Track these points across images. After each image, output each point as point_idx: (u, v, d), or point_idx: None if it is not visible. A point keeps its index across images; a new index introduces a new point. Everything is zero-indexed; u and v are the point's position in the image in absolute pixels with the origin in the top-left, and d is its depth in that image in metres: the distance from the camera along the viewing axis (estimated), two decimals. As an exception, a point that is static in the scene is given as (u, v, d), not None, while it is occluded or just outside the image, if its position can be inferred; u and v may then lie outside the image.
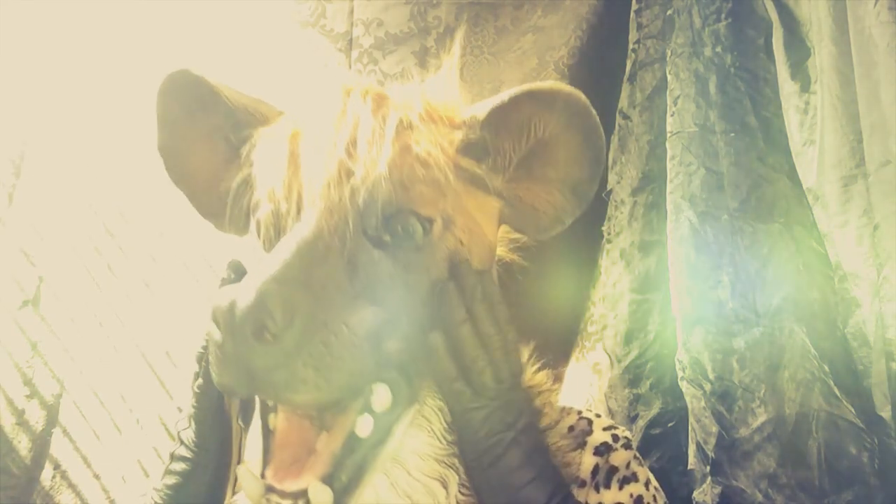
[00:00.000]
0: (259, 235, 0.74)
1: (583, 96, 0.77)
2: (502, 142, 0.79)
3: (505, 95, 0.77)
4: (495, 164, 0.80)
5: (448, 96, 0.80)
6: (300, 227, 0.67)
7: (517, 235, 0.88)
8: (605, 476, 0.82)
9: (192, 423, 0.81)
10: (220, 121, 0.83)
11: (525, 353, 0.85)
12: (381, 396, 0.68)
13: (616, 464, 0.83)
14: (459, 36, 0.84)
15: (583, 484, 0.81)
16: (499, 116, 0.77)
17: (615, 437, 0.85)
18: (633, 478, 0.83)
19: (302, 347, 0.60)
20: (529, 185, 0.82)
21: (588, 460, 0.83)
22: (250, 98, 0.83)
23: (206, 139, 0.84)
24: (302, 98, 0.79)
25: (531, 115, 0.77)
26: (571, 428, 0.86)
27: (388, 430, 0.70)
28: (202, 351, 0.80)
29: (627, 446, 0.85)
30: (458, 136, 0.77)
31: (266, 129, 0.77)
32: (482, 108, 0.78)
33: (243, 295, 0.58)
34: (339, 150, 0.70)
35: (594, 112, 0.77)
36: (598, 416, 0.90)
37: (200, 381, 0.80)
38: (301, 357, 0.60)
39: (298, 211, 0.70)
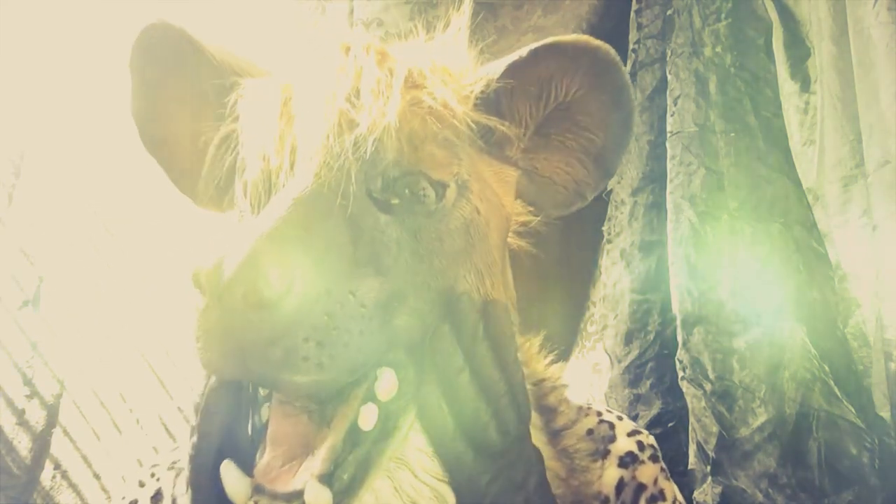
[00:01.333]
0: (246, 197, 0.66)
1: (612, 51, 0.67)
2: (519, 105, 0.70)
3: (524, 50, 0.67)
4: (511, 130, 0.71)
5: (457, 57, 0.71)
6: (295, 182, 0.59)
7: (526, 218, 0.79)
8: (632, 495, 0.76)
9: (189, 490, 0.63)
10: (204, 81, 0.72)
11: (535, 343, 0.80)
12: (386, 382, 0.59)
13: (644, 480, 0.77)
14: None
15: (605, 500, 0.75)
16: (516, 74, 0.68)
17: (641, 446, 0.79)
18: (661, 496, 0.77)
19: (303, 318, 0.52)
20: (548, 154, 0.73)
21: (612, 473, 0.76)
22: (238, 56, 0.74)
23: (187, 102, 0.74)
24: (295, 55, 0.70)
25: (553, 72, 0.68)
26: (590, 431, 0.80)
27: (394, 423, 0.61)
28: (200, 400, 0.64)
29: (655, 458, 0.79)
30: (475, 89, 0.67)
31: (256, 81, 0.68)
32: (497, 67, 0.69)
33: (232, 254, 0.49)
34: (339, 99, 0.62)
35: (624, 69, 0.69)
36: (619, 418, 0.83)
37: (196, 438, 0.62)
38: (302, 329, 0.52)
39: (292, 166, 0.61)
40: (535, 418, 0.70)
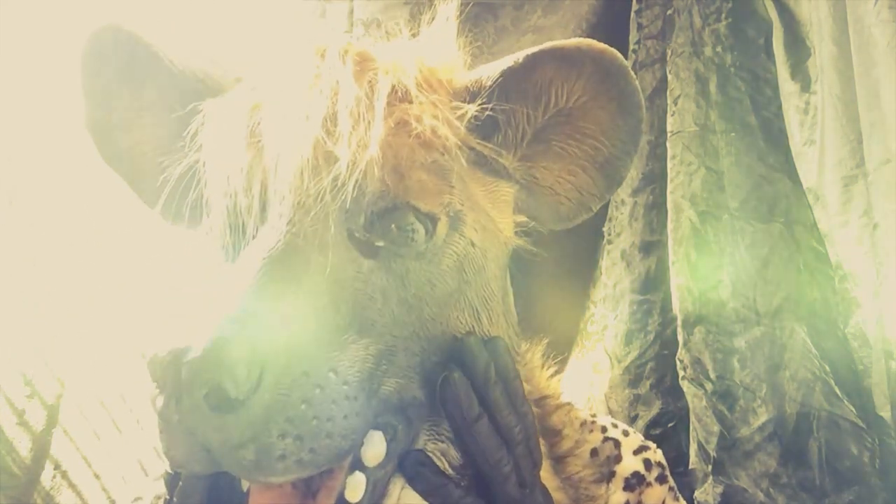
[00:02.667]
0: (215, 240, 0.60)
1: (618, 56, 0.62)
2: (515, 112, 0.64)
3: (520, 55, 0.62)
4: (506, 138, 0.65)
5: (445, 54, 0.66)
6: (266, 233, 0.53)
7: (523, 219, 0.73)
8: None
9: None
10: (162, 89, 0.66)
11: (537, 353, 0.75)
12: (374, 447, 0.53)
13: None
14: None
15: None
16: (511, 81, 0.62)
17: (648, 465, 0.75)
18: None
19: (276, 412, 0.45)
20: (548, 163, 0.67)
21: (618, 499, 0.72)
22: (201, 60, 0.68)
23: (146, 111, 0.67)
24: (264, 62, 0.64)
25: (552, 78, 0.63)
26: (595, 452, 0.76)
27: (384, 489, 0.55)
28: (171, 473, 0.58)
29: (662, 478, 0.75)
30: (467, 108, 0.61)
31: (216, 102, 0.61)
32: (489, 72, 0.63)
33: (191, 344, 0.43)
34: (313, 125, 0.55)
35: (632, 74, 0.63)
36: (625, 433, 0.79)
37: None
38: (276, 425, 0.45)
39: (263, 208, 0.55)
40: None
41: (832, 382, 1.04)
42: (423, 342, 0.56)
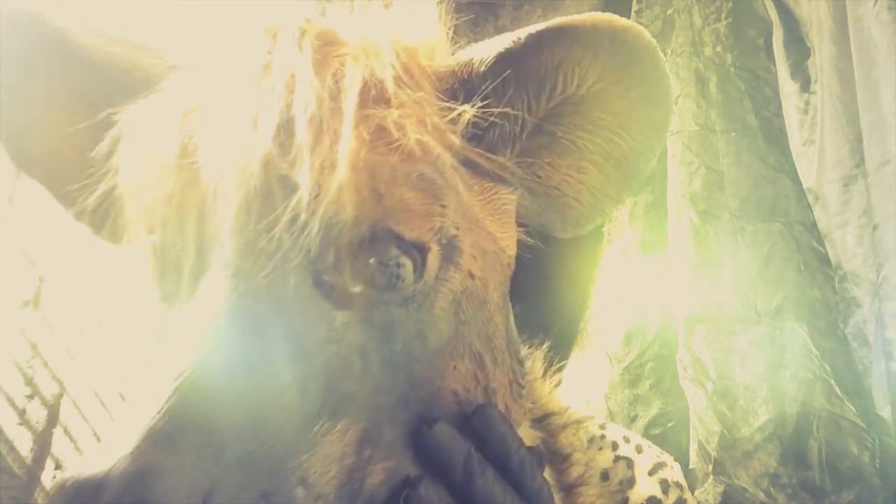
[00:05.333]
0: (147, 287, 0.49)
1: (645, 34, 0.51)
2: (513, 100, 0.53)
3: (521, 34, 0.51)
4: (501, 131, 0.53)
5: (425, 28, 0.54)
6: (205, 290, 0.41)
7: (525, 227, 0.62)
8: None
9: None
10: (78, 83, 0.55)
11: (538, 361, 0.66)
12: None
13: None
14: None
15: None
16: (510, 65, 0.51)
17: (664, 487, 0.67)
18: None
19: None
20: (553, 158, 0.56)
21: None
22: (126, 47, 0.56)
23: (60, 110, 0.56)
24: (202, 47, 0.53)
25: (560, 61, 0.52)
26: (606, 475, 0.67)
27: None
28: None
29: (681, 503, 0.68)
30: (461, 110, 0.49)
31: (141, 105, 0.48)
32: (483, 53, 0.51)
33: (105, 469, 0.32)
34: (263, 139, 0.42)
35: (661, 56, 0.53)
36: (638, 449, 0.70)
37: None
38: None
39: (201, 252, 0.43)
40: (546, 472, 0.56)
41: (832, 382, 1.04)
42: (413, 407, 0.44)
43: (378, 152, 0.44)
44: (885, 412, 1.00)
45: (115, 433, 0.35)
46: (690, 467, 1.12)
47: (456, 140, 0.48)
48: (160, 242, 0.46)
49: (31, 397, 1.38)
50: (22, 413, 1.37)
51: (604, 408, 1.30)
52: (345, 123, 0.43)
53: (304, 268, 0.42)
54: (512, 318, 0.58)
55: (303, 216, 0.41)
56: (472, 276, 0.49)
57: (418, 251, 0.45)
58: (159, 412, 0.34)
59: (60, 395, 1.41)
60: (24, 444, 1.36)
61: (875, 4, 1.03)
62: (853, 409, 1.02)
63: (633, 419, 1.24)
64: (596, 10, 1.57)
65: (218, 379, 0.37)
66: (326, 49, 0.47)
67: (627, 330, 1.30)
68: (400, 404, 0.44)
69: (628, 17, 1.43)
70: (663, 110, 0.54)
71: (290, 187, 0.42)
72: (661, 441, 1.21)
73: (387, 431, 0.43)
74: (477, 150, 0.51)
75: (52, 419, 1.39)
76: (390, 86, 0.46)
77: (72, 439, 1.40)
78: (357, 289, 0.44)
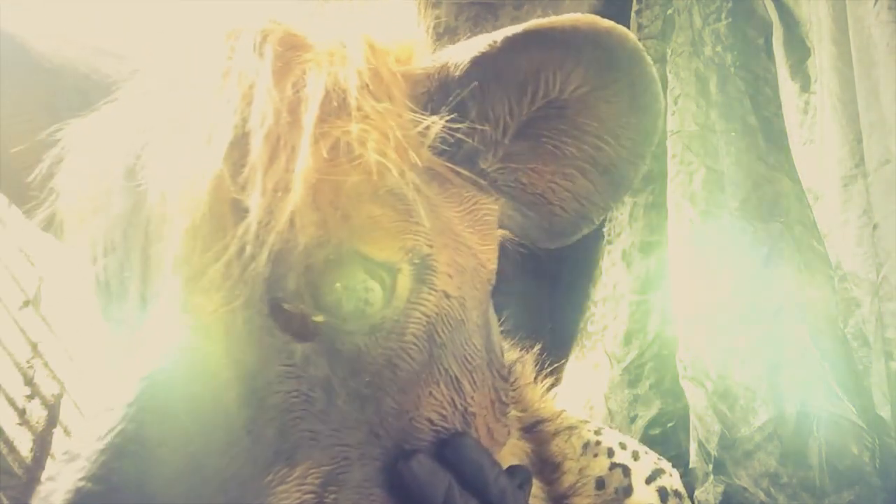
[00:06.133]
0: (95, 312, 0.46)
1: (630, 37, 0.49)
2: (492, 104, 0.50)
3: (497, 37, 0.48)
4: (482, 136, 0.50)
5: (404, 25, 0.52)
6: (150, 326, 0.38)
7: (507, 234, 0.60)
8: None
9: None
10: (36, 88, 0.52)
11: (529, 365, 0.64)
12: None
13: None
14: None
15: None
16: (486, 69, 0.48)
17: (663, 496, 0.66)
18: None
19: None
20: (537, 164, 0.53)
21: None
22: (84, 50, 0.53)
23: (21, 117, 0.52)
24: (167, 50, 0.49)
25: (539, 65, 0.49)
26: (601, 483, 0.65)
27: None
28: None
29: None
30: (430, 122, 0.46)
31: (85, 121, 0.45)
32: (458, 57, 0.49)
33: None
34: (214, 158, 0.39)
35: (648, 60, 0.50)
36: (635, 455, 0.68)
37: None
38: None
39: (146, 282, 0.40)
40: (535, 486, 0.54)
41: (833, 382, 1.04)
42: (385, 441, 0.41)
43: (340, 169, 0.41)
44: (885, 412, 1.00)
45: (39, 495, 0.32)
46: (690, 467, 1.12)
47: (424, 153, 0.45)
48: (104, 271, 0.43)
49: (31, 397, 1.38)
50: (22, 413, 1.37)
51: (603, 408, 1.30)
52: (303, 139, 0.40)
53: (260, 298, 0.39)
54: (495, 332, 0.55)
55: (254, 243, 0.38)
56: (447, 296, 0.46)
57: (388, 273, 0.42)
58: (84, 476, 0.31)
59: (60, 395, 1.41)
60: (24, 444, 1.36)
61: (875, 4, 1.03)
62: (853, 409, 1.02)
63: (633, 419, 1.24)
64: (595, 10, 1.57)
65: (154, 432, 0.34)
66: (289, 55, 0.44)
67: (627, 330, 1.29)
68: (369, 439, 0.41)
69: (628, 17, 1.44)
70: (652, 116, 0.52)
71: (241, 212, 0.39)
72: (660, 441, 1.21)
73: (355, 470, 0.40)
74: (449, 163, 0.48)
75: (52, 419, 1.39)
76: (354, 96, 0.43)
77: (72, 440, 1.40)
78: (320, 318, 0.40)
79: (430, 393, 0.44)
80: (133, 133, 0.43)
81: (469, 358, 0.48)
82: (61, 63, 0.52)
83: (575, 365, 1.44)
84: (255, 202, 0.38)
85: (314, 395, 0.40)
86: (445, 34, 1.69)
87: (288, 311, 0.40)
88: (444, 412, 0.45)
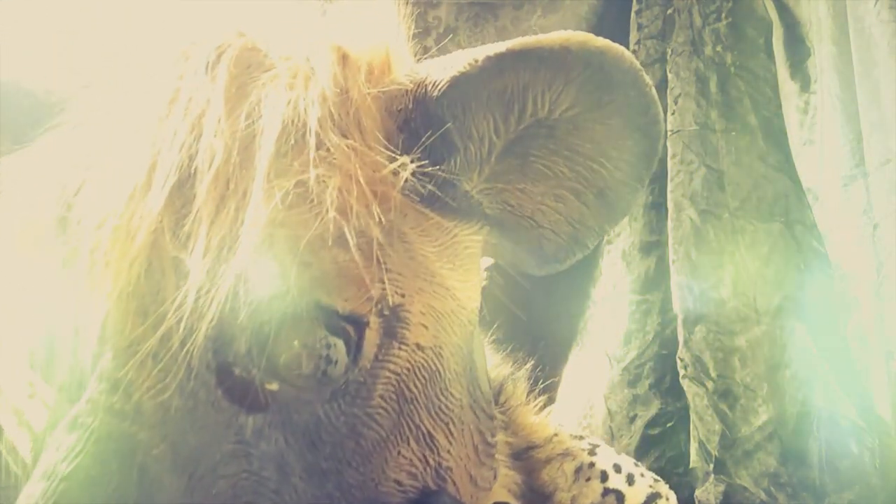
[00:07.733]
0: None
1: (625, 55, 0.45)
2: (476, 123, 0.46)
3: (479, 55, 0.44)
4: (466, 155, 0.46)
5: (376, 30, 0.47)
6: (74, 415, 0.33)
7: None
8: None
9: None
10: None
11: (521, 384, 0.61)
12: None
13: None
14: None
15: None
16: (466, 89, 0.44)
17: None
18: None
19: None
20: (526, 184, 0.49)
21: None
22: (33, 65, 0.49)
23: None
24: (119, 66, 0.43)
25: (526, 84, 0.45)
26: None
27: None
28: None
29: None
30: (402, 162, 0.41)
31: (15, 157, 0.39)
32: (437, 74, 0.44)
33: None
34: (153, 205, 0.34)
35: (646, 80, 0.48)
36: (629, 479, 0.62)
37: None
38: None
39: (76, 354, 0.36)
40: None
41: (833, 382, 1.05)
42: None
43: (298, 214, 0.36)
44: (885, 412, 1.00)
45: None
46: (690, 467, 1.12)
47: (395, 195, 0.40)
48: (32, 339, 0.36)
49: (31, 397, 1.38)
50: (21, 413, 1.37)
51: (603, 408, 1.30)
52: (255, 183, 0.34)
53: (206, 366, 0.34)
54: (481, 369, 0.50)
55: (191, 315, 0.33)
56: (420, 348, 0.41)
57: (354, 326, 0.37)
58: None
59: (60, 395, 1.41)
60: (24, 445, 1.35)
61: (875, 4, 1.03)
62: (853, 409, 1.02)
63: (633, 419, 1.24)
64: (595, 11, 1.54)
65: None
66: (245, 76, 0.39)
67: (627, 330, 1.29)
68: None
69: (628, 17, 1.44)
70: (651, 139, 0.49)
71: (182, 272, 0.33)
72: (660, 441, 1.21)
73: None
74: (421, 205, 0.43)
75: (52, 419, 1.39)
76: (315, 130, 0.37)
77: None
78: (274, 385, 0.35)
79: (399, 453, 0.39)
80: (68, 171, 0.37)
81: (445, 410, 0.43)
82: (3, 79, 0.48)
83: (574, 365, 1.44)
84: (196, 264, 0.33)
85: (266, 474, 0.35)
86: (446, 34, 1.69)
87: (237, 377, 0.35)
88: (414, 471, 0.40)
